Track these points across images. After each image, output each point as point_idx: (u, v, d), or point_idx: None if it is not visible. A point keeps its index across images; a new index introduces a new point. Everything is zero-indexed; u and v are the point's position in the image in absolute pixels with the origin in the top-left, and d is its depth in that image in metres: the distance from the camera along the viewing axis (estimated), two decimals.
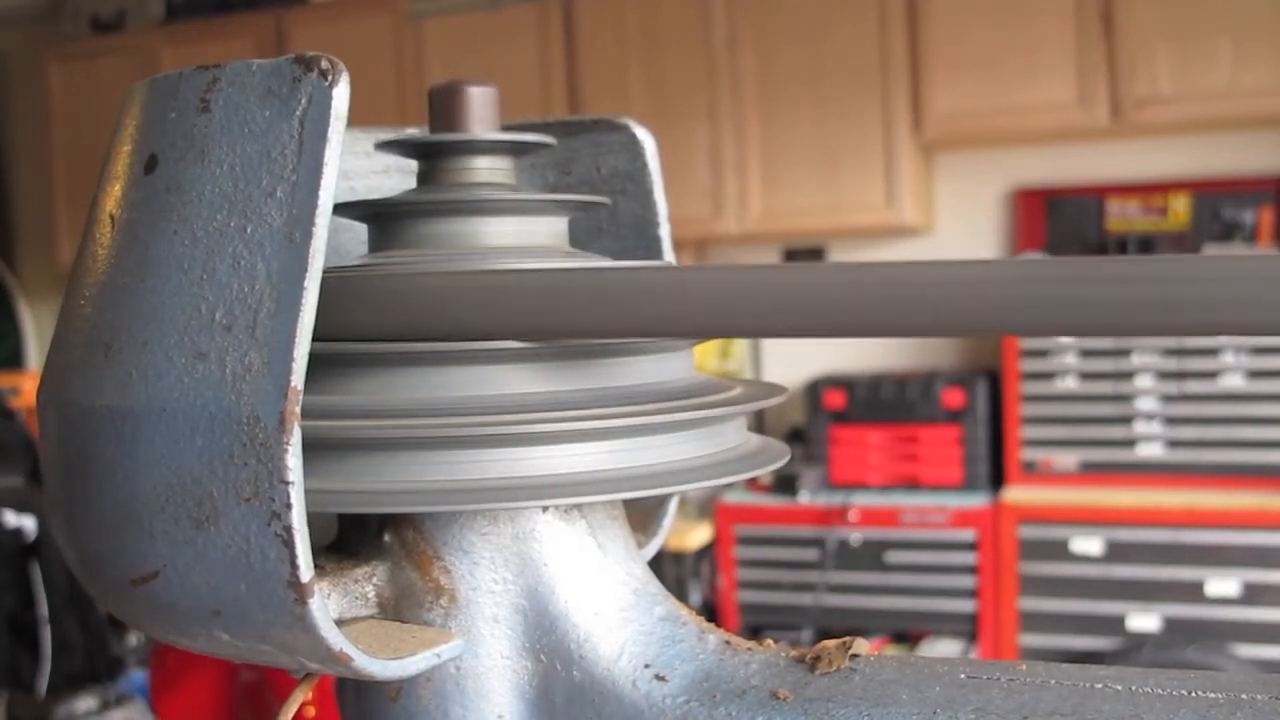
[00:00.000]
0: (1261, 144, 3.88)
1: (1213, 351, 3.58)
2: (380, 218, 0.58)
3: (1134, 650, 3.54)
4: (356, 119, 0.60)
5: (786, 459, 0.55)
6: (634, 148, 0.65)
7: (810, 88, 3.97)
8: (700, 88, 4.08)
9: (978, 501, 3.74)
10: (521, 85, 4.21)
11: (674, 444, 0.51)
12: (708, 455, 0.53)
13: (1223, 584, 3.51)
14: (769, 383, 0.58)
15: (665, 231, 0.65)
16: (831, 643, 0.52)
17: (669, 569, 3.88)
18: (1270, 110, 3.64)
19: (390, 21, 4.51)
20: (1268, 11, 3.56)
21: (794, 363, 4.27)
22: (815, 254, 4.31)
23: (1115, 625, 3.60)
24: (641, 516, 0.66)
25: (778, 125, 4.01)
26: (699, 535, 3.94)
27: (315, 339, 0.45)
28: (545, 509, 0.53)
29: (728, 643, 0.53)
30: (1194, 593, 3.53)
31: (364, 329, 0.51)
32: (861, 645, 0.52)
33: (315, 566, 0.45)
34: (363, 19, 4.56)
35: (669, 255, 0.65)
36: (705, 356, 4.18)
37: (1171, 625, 3.55)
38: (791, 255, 4.33)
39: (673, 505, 0.67)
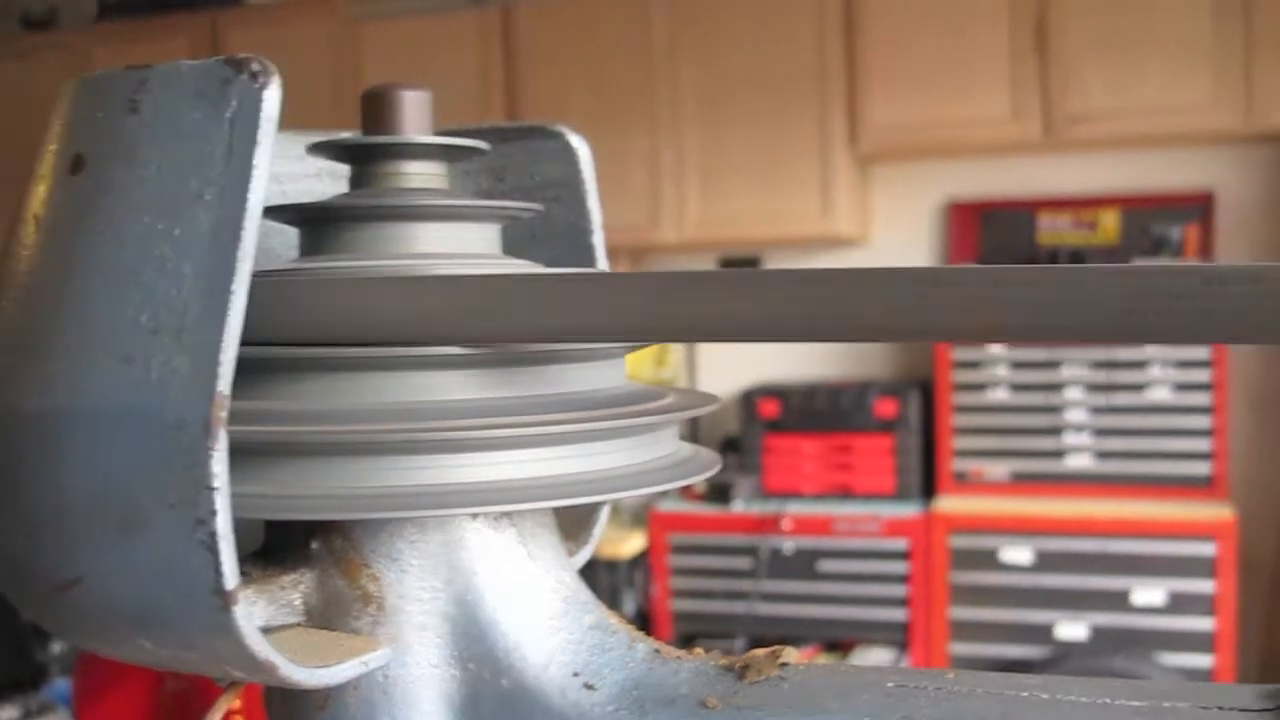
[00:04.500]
0: (1189, 161, 3.94)
1: (1140, 364, 3.63)
2: (311, 222, 0.57)
3: (1062, 659, 3.58)
4: (293, 122, 0.60)
5: (717, 468, 0.55)
6: (568, 155, 0.65)
7: (749, 98, 3.99)
8: (639, 96, 4.09)
9: (910, 511, 3.77)
10: (461, 91, 4.20)
11: (604, 452, 0.51)
12: (638, 464, 0.53)
13: (1149, 593, 3.55)
14: (701, 392, 0.59)
15: (599, 240, 0.65)
16: (761, 651, 0.52)
17: (603, 577, 3.87)
18: (1198, 127, 3.70)
19: (329, 24, 4.48)
20: (1197, 30, 3.62)
21: (729, 372, 4.28)
22: (751, 263, 4.32)
23: (1044, 634, 3.64)
24: (573, 524, 0.66)
25: (716, 134, 4.02)
26: (633, 543, 3.94)
27: (245, 343, 0.44)
28: (475, 516, 0.52)
29: (657, 651, 0.53)
30: (1121, 602, 3.57)
31: (293, 333, 0.51)
32: (790, 654, 0.52)
33: (241, 573, 0.44)
34: (300, 21, 4.53)
35: (602, 263, 0.65)
36: (641, 365, 4.19)
37: (1099, 634, 3.59)
38: (728, 264, 4.35)
39: (604, 514, 0.67)
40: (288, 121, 0.56)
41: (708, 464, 0.55)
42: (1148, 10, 3.66)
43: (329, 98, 4.42)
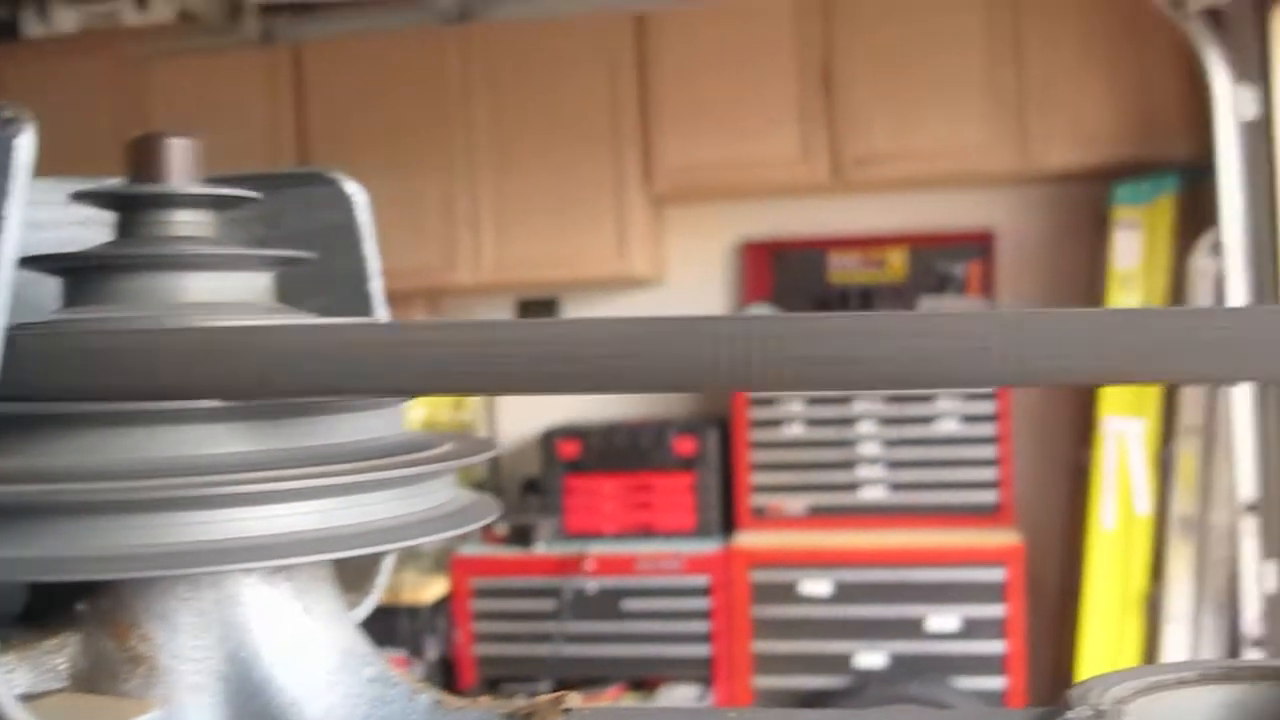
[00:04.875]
0: (970, 201, 4.10)
1: (928, 397, 3.74)
2: (72, 272, 0.56)
3: (862, 688, 3.65)
4: (73, 162, 0.58)
5: (494, 516, 0.55)
6: (344, 202, 0.64)
7: (543, 139, 4.00)
8: (433, 137, 4.06)
9: (710, 547, 3.80)
10: (249, 132, 4.11)
11: (379, 503, 0.51)
12: (414, 513, 0.52)
13: (943, 619, 3.65)
14: (479, 439, 0.58)
15: (377, 287, 0.64)
16: (544, 698, 0.52)
17: (404, 624, 3.82)
18: (977, 169, 3.85)
19: (112, 62, 4.34)
20: (973, 75, 3.77)
21: (529, 413, 4.27)
22: (548, 305, 4.33)
23: (843, 664, 3.71)
24: (354, 575, 0.65)
25: (511, 176, 4.02)
26: (435, 589, 3.90)
27: (1, 399, 0.43)
28: (249, 572, 0.51)
29: (439, 702, 0.53)
30: (916, 629, 3.66)
31: (55, 389, 0.49)
32: (574, 699, 0.52)
33: (0, 639, 0.43)
34: (83, 59, 4.38)
35: (380, 311, 0.64)
36: (439, 406, 4.15)
37: (897, 661, 3.67)
38: (526, 306, 4.34)
39: (387, 564, 0.66)
40: (67, 162, 0.54)
41: (485, 511, 0.55)
42: (927, 56, 3.80)
43: (113, 138, 4.28)
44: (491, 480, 4.18)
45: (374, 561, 0.65)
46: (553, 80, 4.00)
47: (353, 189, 0.64)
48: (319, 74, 4.16)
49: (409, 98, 4.09)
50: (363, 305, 0.64)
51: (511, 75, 4.03)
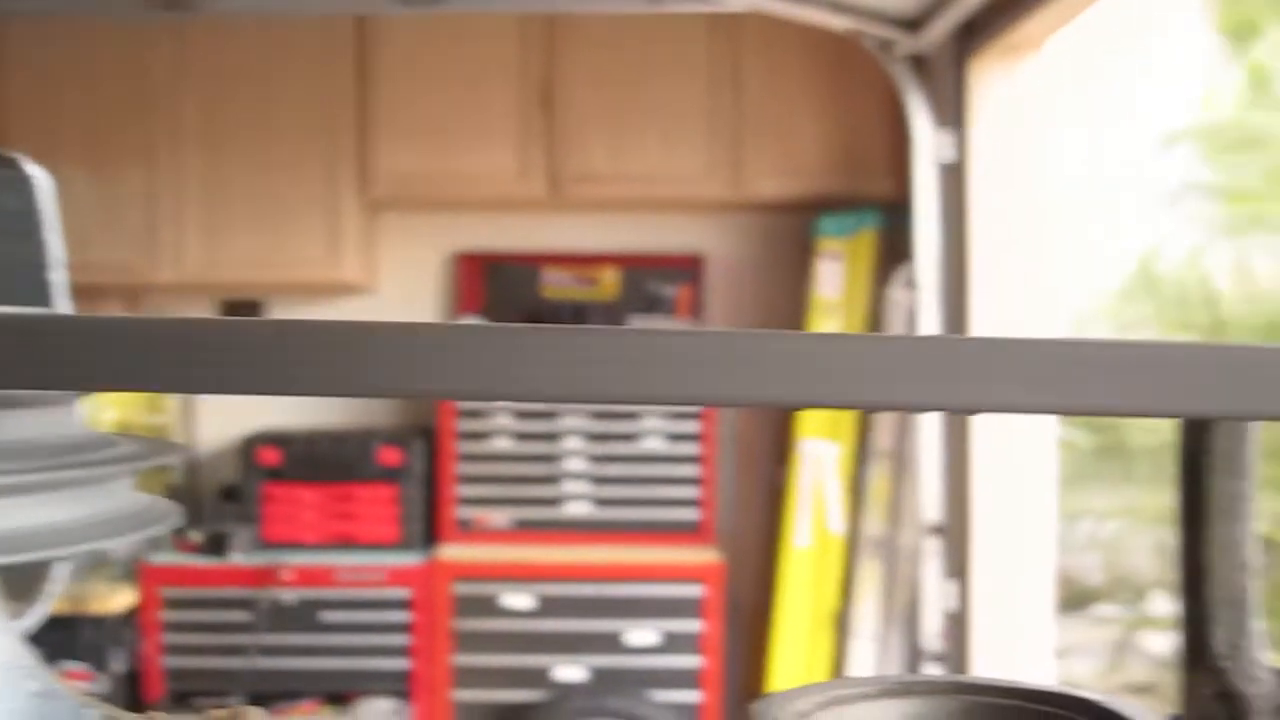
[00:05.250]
0: (683, 225, 4.19)
1: (634, 415, 3.80)
2: None
3: (561, 701, 3.67)
4: None
5: (173, 522, 0.53)
6: (24, 185, 0.60)
7: (255, 137, 3.89)
8: (139, 129, 3.90)
9: (413, 559, 3.77)
10: None
11: (46, 505, 0.48)
12: (83, 518, 0.49)
13: (642, 634, 3.71)
14: (165, 440, 0.56)
15: (59, 277, 0.61)
16: (219, 712, 0.50)
17: (88, 634, 3.64)
18: (691, 195, 3.94)
19: None
20: (692, 105, 3.85)
21: (230, 417, 4.14)
22: (253, 307, 4.21)
23: (542, 678, 3.72)
24: (24, 583, 0.61)
25: (219, 174, 3.90)
26: (123, 599, 3.73)
27: None
28: None
29: (109, 718, 0.50)
30: (615, 644, 3.71)
31: None
32: (255, 714, 0.50)
33: None
34: None
35: (61, 303, 0.61)
36: (134, 409, 3.98)
37: (596, 675, 3.71)
38: (230, 308, 4.21)
39: (59, 571, 0.62)
40: None
41: (164, 515, 0.52)
42: (648, 81, 3.87)
43: None
44: (188, 486, 4.04)
45: (43, 568, 0.62)
46: (267, 77, 3.89)
47: (35, 171, 0.60)
48: (19, 51, 3.94)
49: (115, 85, 3.91)
50: (40, 295, 0.60)
51: (224, 70, 3.91)
